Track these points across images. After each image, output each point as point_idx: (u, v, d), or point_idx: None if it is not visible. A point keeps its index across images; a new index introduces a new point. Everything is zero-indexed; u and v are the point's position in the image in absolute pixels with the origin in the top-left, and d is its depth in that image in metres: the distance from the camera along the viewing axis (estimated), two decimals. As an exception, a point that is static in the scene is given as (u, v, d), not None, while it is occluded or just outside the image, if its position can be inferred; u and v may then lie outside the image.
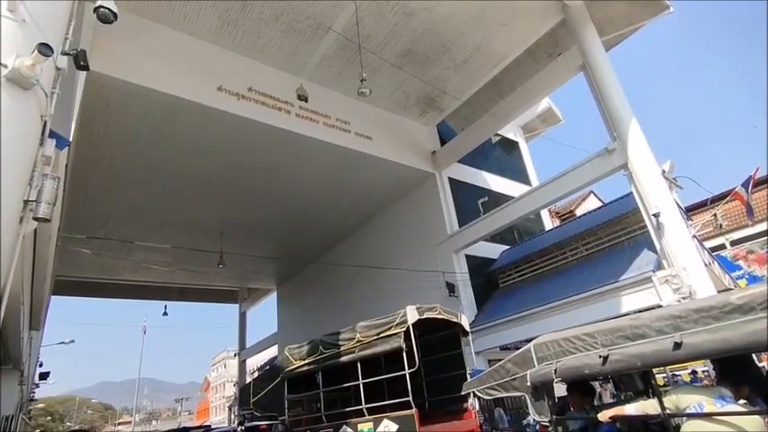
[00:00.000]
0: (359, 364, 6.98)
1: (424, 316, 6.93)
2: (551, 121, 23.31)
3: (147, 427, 69.39)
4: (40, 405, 41.04)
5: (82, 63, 3.80)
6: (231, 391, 51.01)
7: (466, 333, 7.95)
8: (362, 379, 6.85)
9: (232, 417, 36.57)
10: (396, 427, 6.18)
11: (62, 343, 24.02)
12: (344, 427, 6.88)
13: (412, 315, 6.66)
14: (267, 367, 18.66)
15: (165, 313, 26.12)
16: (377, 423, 6.42)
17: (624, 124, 11.84)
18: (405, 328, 6.58)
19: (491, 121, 16.28)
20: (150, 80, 11.23)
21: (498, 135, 21.30)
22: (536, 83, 15.11)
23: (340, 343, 7.38)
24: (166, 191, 16.15)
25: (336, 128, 14.81)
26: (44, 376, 19.80)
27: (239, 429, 11.27)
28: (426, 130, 18.50)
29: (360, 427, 6.65)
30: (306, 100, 14.33)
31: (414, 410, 6.10)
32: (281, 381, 8.10)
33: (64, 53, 3.66)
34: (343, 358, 7.22)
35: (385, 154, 16.14)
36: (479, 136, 17.30)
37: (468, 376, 7.54)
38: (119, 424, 77.09)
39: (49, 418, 55.93)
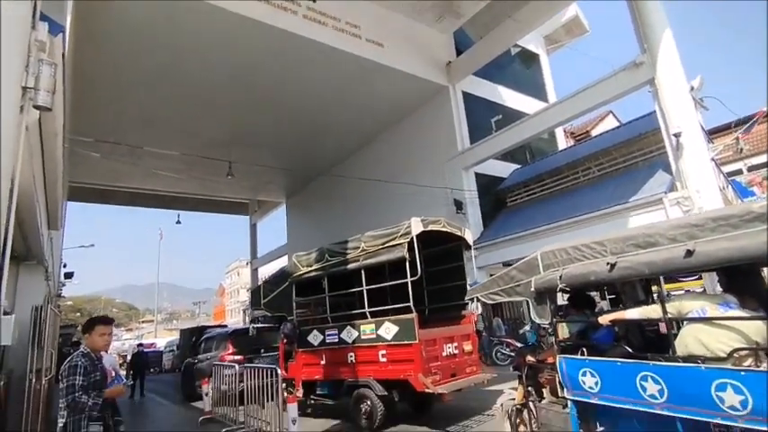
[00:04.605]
0: (363, 272, 7.16)
1: (429, 228, 6.97)
2: (577, 32, 21.71)
3: (168, 326, 75.07)
4: (69, 302, 44.10)
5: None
6: (245, 296, 54.17)
7: (468, 247, 8.06)
8: (366, 285, 7.08)
9: (246, 319, 39.23)
10: (396, 328, 6.52)
11: (82, 246, 25.12)
12: (348, 326, 7.26)
13: (416, 226, 6.70)
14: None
15: (179, 222, 26.88)
16: (378, 325, 6.79)
17: (656, 34, 10.97)
18: (408, 239, 6.64)
19: (513, 27, 15.14)
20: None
21: (518, 46, 19.99)
22: (566, -15, 13.80)
23: (346, 251, 7.53)
24: (173, 98, 15.71)
25: (346, 32, 13.90)
26: (69, 276, 20.98)
27: (251, 328, 12.25)
28: (442, 39, 17.35)
29: (363, 327, 7.03)
30: (314, 0, 13.30)
31: (414, 315, 6.38)
32: (289, 285, 8.44)
33: None
34: (349, 266, 7.37)
35: (397, 63, 15.31)
36: (499, 45, 16.22)
37: (468, 287, 7.83)
38: (142, 322, 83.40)
39: (78, 314, 60.47)
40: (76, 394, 3.14)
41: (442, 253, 8.17)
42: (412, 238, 6.64)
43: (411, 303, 6.45)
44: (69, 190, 18.37)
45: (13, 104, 2.91)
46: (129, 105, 15.74)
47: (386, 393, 6.53)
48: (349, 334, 7.23)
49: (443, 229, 7.40)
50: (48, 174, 6.33)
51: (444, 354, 6.73)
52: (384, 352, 6.65)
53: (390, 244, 6.87)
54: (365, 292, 7.09)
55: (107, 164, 16.99)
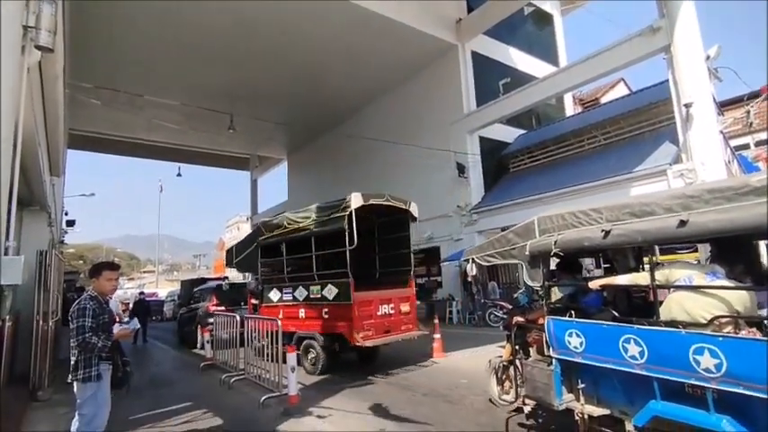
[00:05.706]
0: (313, 239, 7.92)
1: (369, 202, 7.60)
2: (594, -7, 20.80)
3: (169, 277, 76.44)
4: (71, 250, 44.73)
5: None
6: (245, 250, 54.84)
7: (414, 219, 8.70)
8: (315, 252, 7.91)
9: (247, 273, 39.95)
10: (336, 290, 7.51)
11: (83, 195, 25.15)
12: (300, 286, 8.27)
13: (356, 201, 7.37)
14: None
15: (179, 174, 26.85)
16: (323, 286, 7.75)
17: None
18: (348, 212, 7.32)
19: (528, -15, 14.52)
20: None
21: (532, 5, 19.25)
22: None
23: (299, 220, 8.30)
24: (173, 45, 15.29)
25: (353, -18, 13.35)
26: (71, 223, 21.20)
27: (223, 284, 13.20)
28: (454, -6, 16.69)
29: (311, 287, 7.99)
30: (321, -54, 12.69)
31: (350, 279, 7.25)
32: (256, 247, 9.30)
33: None
34: (301, 234, 8.18)
35: (404, 18, 14.81)
36: (513, 2, 15.62)
37: (413, 255, 8.79)
38: (144, 272, 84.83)
39: (81, 261, 61.49)
40: (86, 335, 3.29)
41: (394, 223, 8.92)
42: (351, 211, 7.32)
43: (348, 269, 7.28)
44: (69, 138, 18.24)
45: (15, 44, 2.87)
46: (129, 51, 15.34)
47: (327, 345, 7.59)
48: (300, 293, 8.25)
49: (386, 203, 8.06)
50: (49, 118, 6.30)
51: (379, 313, 7.65)
52: (327, 310, 7.64)
53: (334, 216, 7.60)
54: (314, 256, 7.93)
55: (108, 112, 16.83)
